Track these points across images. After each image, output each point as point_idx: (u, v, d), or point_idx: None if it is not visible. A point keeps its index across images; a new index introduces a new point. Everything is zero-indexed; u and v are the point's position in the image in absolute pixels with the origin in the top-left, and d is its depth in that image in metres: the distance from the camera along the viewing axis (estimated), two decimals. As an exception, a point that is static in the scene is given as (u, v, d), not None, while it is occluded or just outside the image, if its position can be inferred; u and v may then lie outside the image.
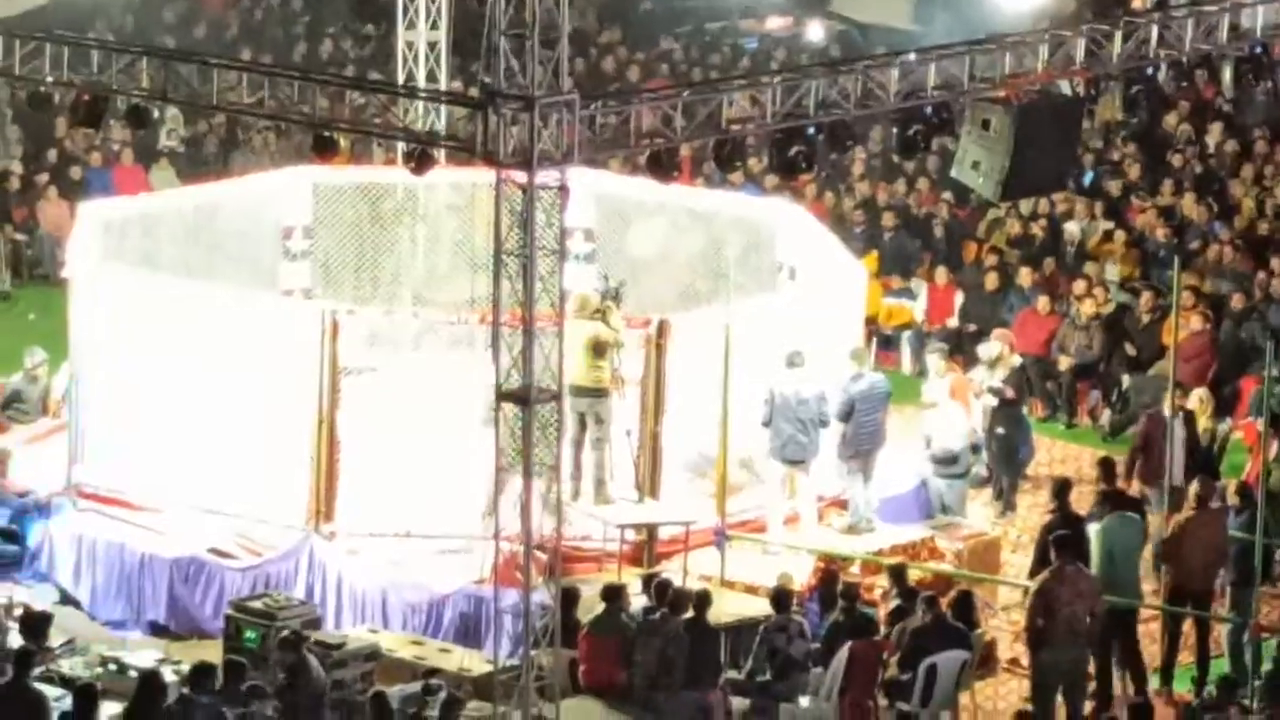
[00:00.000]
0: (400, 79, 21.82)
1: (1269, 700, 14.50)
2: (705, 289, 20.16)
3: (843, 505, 17.87)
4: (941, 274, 24.53)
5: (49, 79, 15.66)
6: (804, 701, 14.65)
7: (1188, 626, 16.21)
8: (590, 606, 14.16)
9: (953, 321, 23.71)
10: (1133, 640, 15.94)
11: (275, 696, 13.52)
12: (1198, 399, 19.29)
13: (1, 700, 13.62)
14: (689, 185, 22.84)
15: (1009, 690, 16.15)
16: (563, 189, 11.80)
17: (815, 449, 17.36)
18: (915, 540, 17.35)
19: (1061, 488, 16.71)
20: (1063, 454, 21.01)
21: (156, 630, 16.67)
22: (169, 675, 13.88)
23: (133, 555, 17.14)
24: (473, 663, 14.43)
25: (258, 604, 15.37)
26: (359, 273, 21.36)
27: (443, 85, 21.55)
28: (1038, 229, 25.07)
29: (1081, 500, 17.18)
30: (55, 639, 15.06)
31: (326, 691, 14.35)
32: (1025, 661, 15.66)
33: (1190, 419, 18.14)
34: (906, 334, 24.00)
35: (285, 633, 14.33)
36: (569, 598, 13.41)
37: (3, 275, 26.98)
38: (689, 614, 14.01)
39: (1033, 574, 15.76)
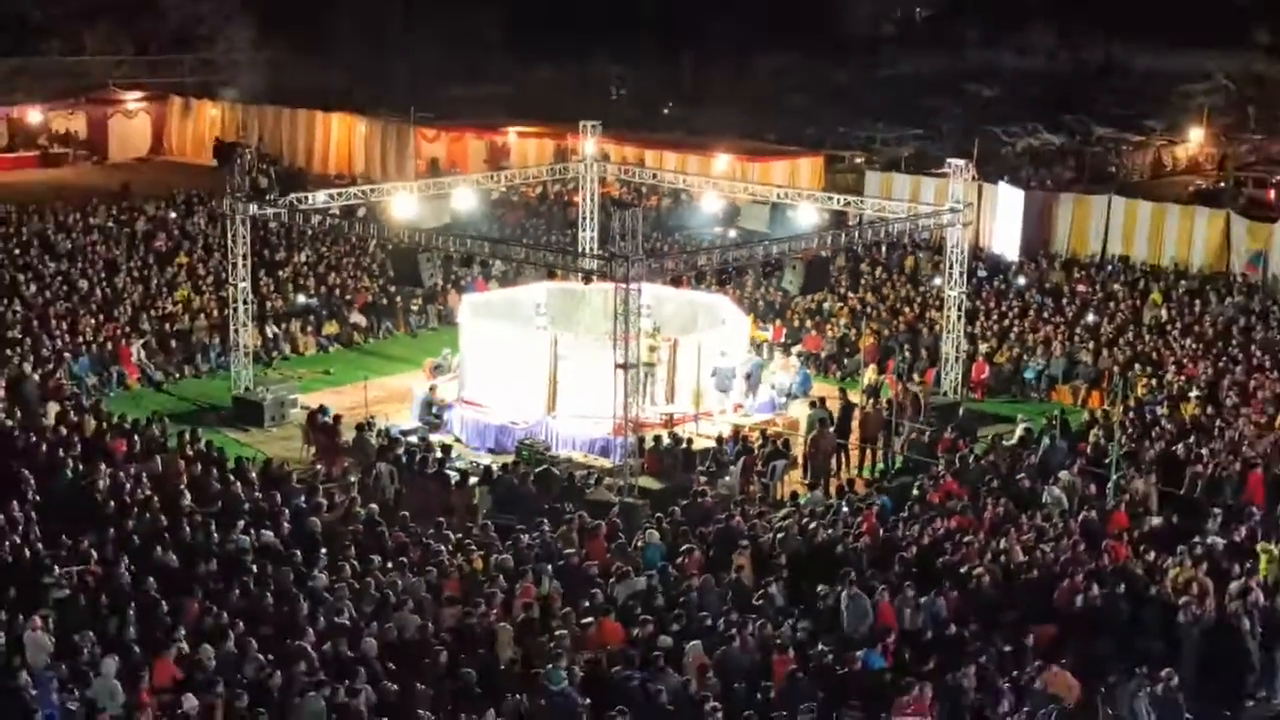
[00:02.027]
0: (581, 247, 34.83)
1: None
2: (691, 326, 32.16)
3: (740, 407, 30.70)
4: (779, 323, 36.09)
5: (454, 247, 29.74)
6: (727, 479, 26.45)
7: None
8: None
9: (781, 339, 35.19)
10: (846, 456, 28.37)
11: (532, 480, 25.30)
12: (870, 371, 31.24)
13: (431, 478, 25.90)
14: (686, 287, 34.30)
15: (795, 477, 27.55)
16: (639, 291, 26.00)
17: (731, 386, 30.39)
18: (768, 418, 30.30)
19: (817, 401, 29.06)
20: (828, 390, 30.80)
21: (491, 452, 29.10)
22: (496, 470, 25.87)
23: (482, 422, 30.04)
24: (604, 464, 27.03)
25: (529, 442, 28.28)
26: (570, 317, 32.36)
27: (595, 249, 33.71)
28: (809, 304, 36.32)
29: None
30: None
31: (559, 475, 25.90)
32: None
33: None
34: (764, 344, 34.73)
35: (537, 452, 27.34)
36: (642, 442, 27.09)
37: (432, 322, 37.16)
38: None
39: (806, 434, 28.30)
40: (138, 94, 58.84)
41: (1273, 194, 48.25)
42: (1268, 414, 27.58)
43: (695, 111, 54.11)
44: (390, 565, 21.35)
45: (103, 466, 24.25)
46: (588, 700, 17.37)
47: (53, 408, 27.93)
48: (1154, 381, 30.67)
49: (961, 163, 32.41)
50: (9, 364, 29.96)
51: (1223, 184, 50.78)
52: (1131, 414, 28.28)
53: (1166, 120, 58.28)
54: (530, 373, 29.87)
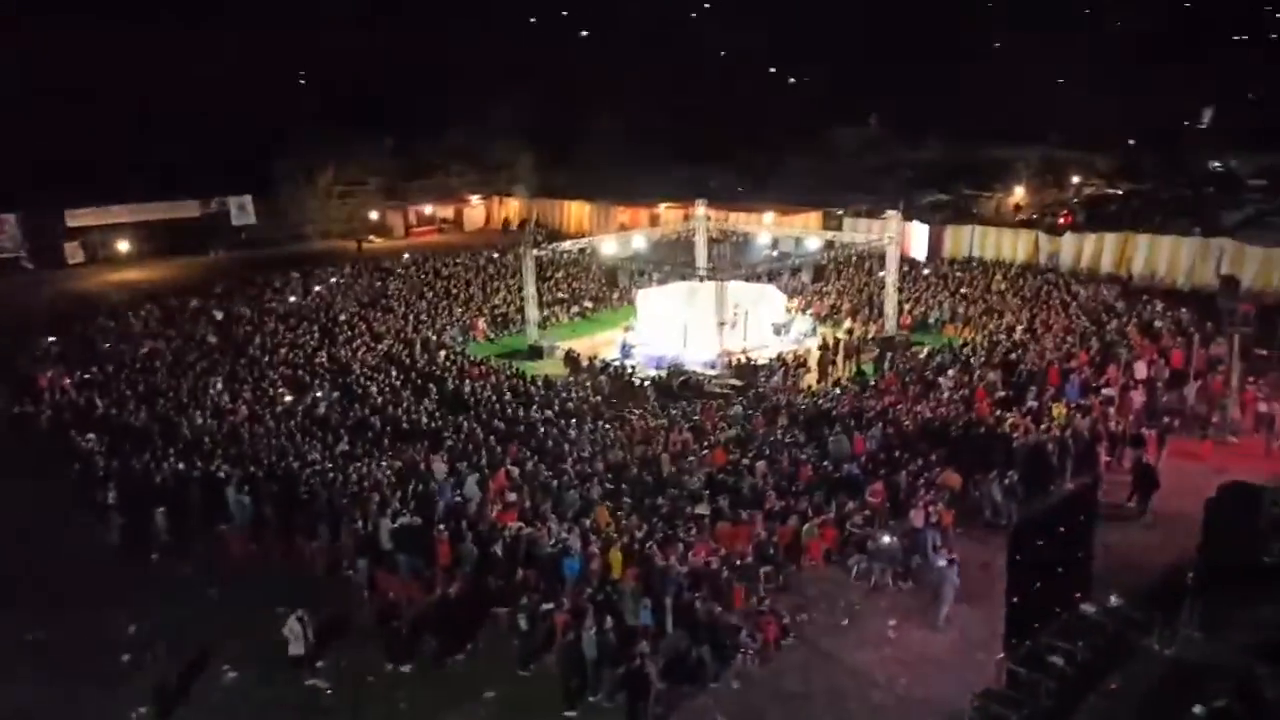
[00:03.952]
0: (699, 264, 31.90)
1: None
2: (758, 302, 29.81)
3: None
4: (801, 299, 33.46)
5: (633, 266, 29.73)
6: (775, 378, 25.63)
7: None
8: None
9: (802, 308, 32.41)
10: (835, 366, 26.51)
11: (675, 382, 24.92)
12: (848, 322, 30.57)
13: (625, 382, 25.20)
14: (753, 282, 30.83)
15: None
16: (728, 285, 26.93)
17: (781, 333, 29.44)
18: (795, 348, 28.26)
19: (822, 339, 28.75)
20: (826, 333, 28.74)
21: (655, 369, 26.73)
22: (658, 378, 25.41)
23: (650, 354, 27.77)
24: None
25: (674, 363, 26.67)
26: (694, 299, 28.98)
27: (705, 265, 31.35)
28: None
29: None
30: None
31: (689, 379, 25.51)
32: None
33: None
34: (793, 310, 31.99)
35: (678, 368, 26.26)
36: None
37: (624, 305, 33.77)
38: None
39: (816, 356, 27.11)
40: (477, 195, 59.73)
41: (1062, 221, 45.94)
42: (1059, 338, 26.58)
43: (755, 191, 53.48)
44: (607, 425, 21.47)
45: (465, 381, 24.87)
46: (708, 490, 17.51)
47: (441, 352, 28.35)
48: (999, 321, 29.60)
49: (894, 212, 32.32)
50: (419, 331, 30.54)
51: (1034, 216, 48.96)
52: (986, 339, 27.56)
53: (1004, 184, 56.31)
54: (674, 329, 28.89)
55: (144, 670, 13.15)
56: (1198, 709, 9.98)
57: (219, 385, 24.35)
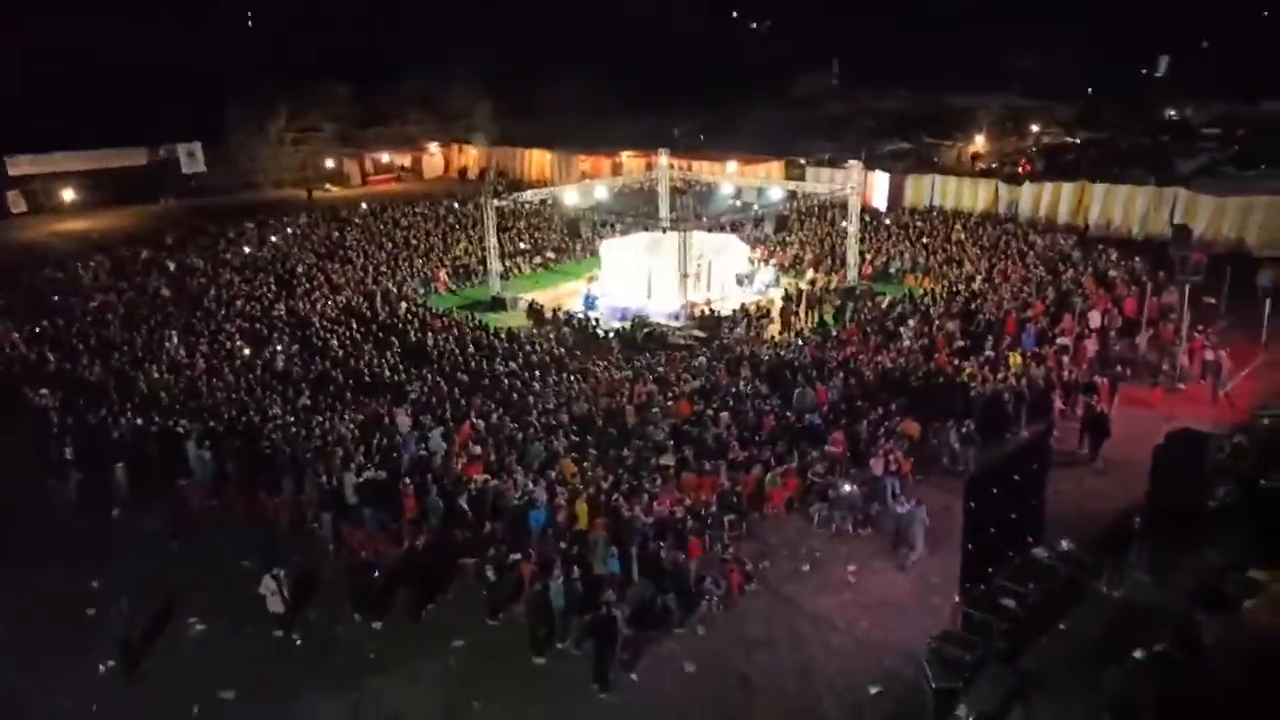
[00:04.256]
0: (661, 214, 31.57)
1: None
2: (721, 252, 29.45)
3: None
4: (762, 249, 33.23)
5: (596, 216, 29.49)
6: (738, 330, 26.05)
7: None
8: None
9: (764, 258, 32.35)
10: (798, 316, 26.47)
11: (640, 334, 25.16)
12: (810, 272, 30.67)
13: (589, 334, 25.01)
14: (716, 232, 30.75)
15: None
16: (691, 236, 26.95)
17: (743, 284, 29.30)
18: (759, 298, 28.23)
19: (786, 289, 28.56)
20: (788, 283, 28.46)
21: (619, 320, 26.68)
22: (622, 329, 26.34)
23: (613, 305, 27.65)
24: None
25: (637, 315, 26.44)
26: (657, 249, 28.38)
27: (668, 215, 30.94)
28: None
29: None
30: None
31: (653, 331, 25.32)
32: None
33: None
34: (756, 261, 31.80)
35: (641, 320, 26.05)
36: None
37: (587, 256, 33.44)
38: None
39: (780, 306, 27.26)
40: (436, 143, 58.59)
41: (1021, 170, 46.09)
42: (1016, 287, 26.87)
43: (718, 140, 52.99)
44: (571, 377, 21.41)
45: (428, 334, 24.66)
46: (672, 441, 17.64)
47: (402, 304, 28.00)
48: (958, 271, 29.77)
49: (856, 162, 32.19)
50: (379, 283, 30.19)
51: (994, 165, 49.12)
52: (946, 289, 27.70)
53: (965, 133, 56.46)
54: (638, 280, 28.56)
55: (109, 624, 13.03)
56: (1138, 653, 10.30)
57: (174, 339, 23.89)
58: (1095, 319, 23.49)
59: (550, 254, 35.17)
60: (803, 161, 43.72)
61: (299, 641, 13.33)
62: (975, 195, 38.19)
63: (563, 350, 23.66)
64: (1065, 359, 21.12)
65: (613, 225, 31.28)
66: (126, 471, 17.15)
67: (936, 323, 24.09)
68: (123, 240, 36.84)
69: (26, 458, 18.40)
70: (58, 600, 14.26)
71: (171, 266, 31.71)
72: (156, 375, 21.40)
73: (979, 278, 28.35)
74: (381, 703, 11.96)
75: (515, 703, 11.95)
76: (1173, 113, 62.04)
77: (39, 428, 18.71)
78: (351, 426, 18.20)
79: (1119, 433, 17.79)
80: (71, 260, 32.84)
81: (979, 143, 55.64)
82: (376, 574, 13.76)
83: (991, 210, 37.30)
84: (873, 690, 11.95)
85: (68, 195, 46.56)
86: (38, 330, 24.88)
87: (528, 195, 32.31)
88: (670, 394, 20.09)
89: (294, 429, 18.02)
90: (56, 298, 28.21)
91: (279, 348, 23.09)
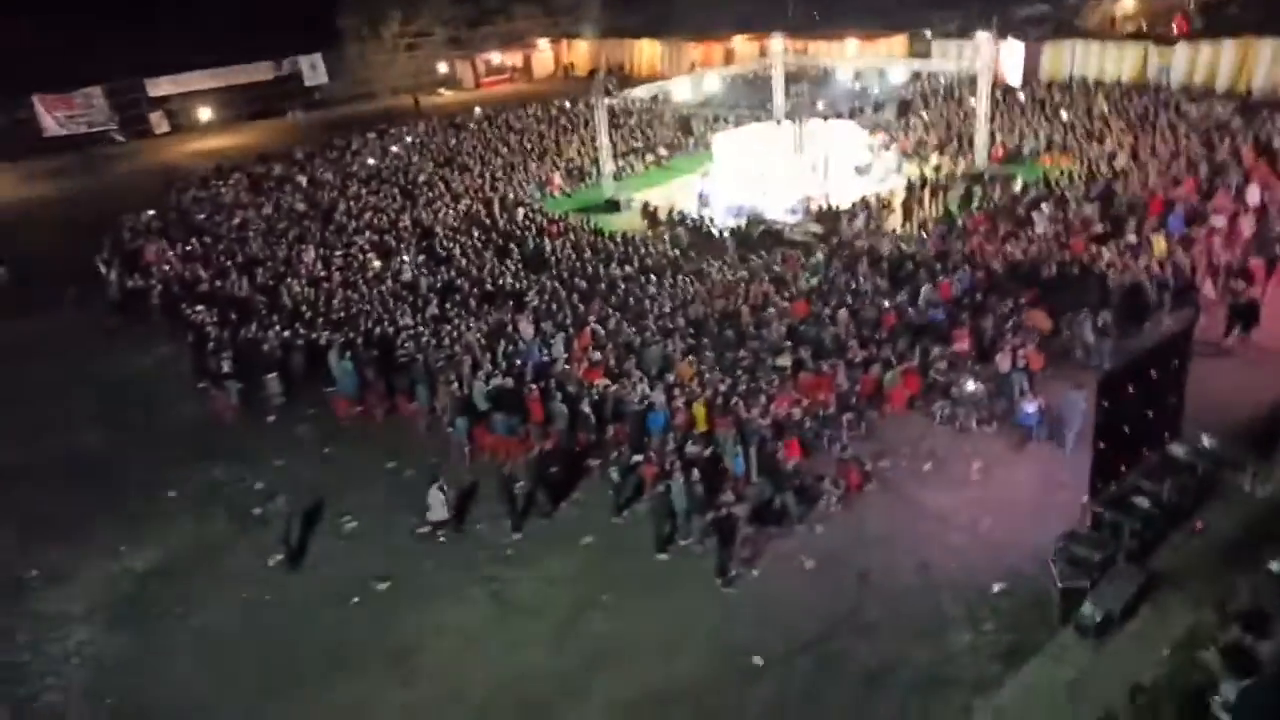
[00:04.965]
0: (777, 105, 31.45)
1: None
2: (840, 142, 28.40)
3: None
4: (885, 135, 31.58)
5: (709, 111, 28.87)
6: (858, 222, 24.71)
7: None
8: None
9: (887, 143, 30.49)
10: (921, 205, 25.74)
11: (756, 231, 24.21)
12: (935, 156, 29.43)
13: (703, 233, 24.68)
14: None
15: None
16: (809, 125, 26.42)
17: (866, 173, 28.32)
18: (882, 190, 26.99)
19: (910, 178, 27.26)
20: (913, 169, 27.61)
21: (734, 218, 26.18)
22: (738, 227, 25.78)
23: (728, 202, 26.94)
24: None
25: (753, 211, 25.89)
26: (772, 143, 27.92)
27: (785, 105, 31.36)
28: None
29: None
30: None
31: (769, 228, 24.53)
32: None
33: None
34: (878, 146, 30.05)
35: (757, 216, 25.51)
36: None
37: (699, 151, 32.20)
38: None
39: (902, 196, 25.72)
40: (546, 39, 57.89)
41: (1175, 29, 41.99)
42: (1164, 163, 25.11)
43: (834, 15, 50.06)
44: (686, 279, 21.39)
45: (545, 240, 25.01)
46: (788, 342, 17.59)
47: (519, 210, 28.24)
48: (1099, 148, 27.98)
49: (986, 34, 30.11)
50: (497, 189, 30.66)
51: (1144, 26, 44.79)
52: (1085, 169, 26.12)
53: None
54: (753, 174, 27.75)
55: (272, 522, 14.30)
56: (1274, 565, 9.92)
57: (311, 253, 25.08)
58: (1254, 195, 21.74)
59: (663, 151, 34.65)
60: (928, 34, 41.11)
61: (443, 539, 14.30)
62: (1122, 62, 35.60)
63: (677, 252, 23.50)
64: (1217, 241, 19.69)
65: (725, 119, 30.40)
66: (279, 381, 18.39)
67: (1073, 206, 22.75)
68: (257, 156, 38.23)
69: (188, 370, 19.94)
70: (229, 497, 15.71)
71: (303, 181, 32.81)
72: (298, 289, 22.46)
73: (1123, 154, 26.60)
74: (519, 591, 12.78)
75: (642, 596, 12.54)
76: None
77: (198, 342, 20.11)
78: (478, 336, 18.83)
79: (1272, 319, 16.67)
80: (213, 178, 34.54)
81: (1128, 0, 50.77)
82: (520, 483, 14.28)
83: (1140, 79, 34.82)
84: (995, 588, 11.94)
85: (204, 114, 48.68)
86: (189, 249, 26.45)
87: (638, 92, 31.80)
88: (786, 294, 19.85)
89: (425, 338, 18.83)
90: (202, 216, 29.71)
91: (405, 259, 23.92)
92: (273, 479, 15.95)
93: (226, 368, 18.76)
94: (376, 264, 23.92)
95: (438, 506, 13.93)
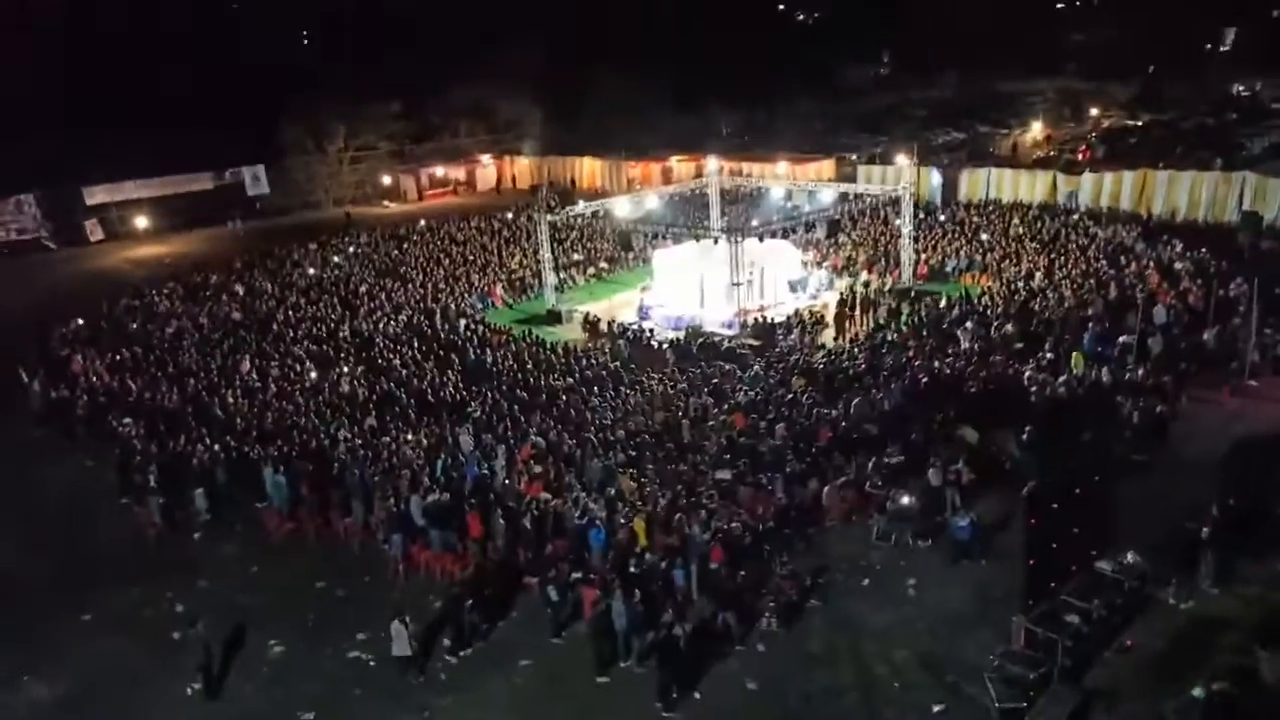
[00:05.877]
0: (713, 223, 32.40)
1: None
2: (773, 259, 29.28)
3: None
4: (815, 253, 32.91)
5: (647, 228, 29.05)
6: (792, 337, 26.39)
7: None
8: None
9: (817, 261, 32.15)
10: (853, 321, 26.84)
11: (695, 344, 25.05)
12: (864, 274, 30.27)
13: (644, 345, 25.15)
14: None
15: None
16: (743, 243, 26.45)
17: (797, 290, 29.17)
18: (812, 304, 28.21)
19: (840, 292, 28.66)
20: (842, 286, 28.66)
21: (673, 330, 26.69)
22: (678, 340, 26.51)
23: (668, 315, 27.81)
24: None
25: (692, 324, 26.66)
26: (708, 258, 28.08)
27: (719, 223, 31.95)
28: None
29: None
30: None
31: (707, 341, 25.11)
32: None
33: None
34: (809, 265, 31.80)
35: (696, 329, 26.03)
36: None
37: (640, 266, 33.40)
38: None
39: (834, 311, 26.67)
40: (488, 155, 59.33)
41: (1080, 157, 45.15)
42: (1076, 284, 26.48)
43: (764, 137, 52.66)
44: (627, 390, 21.60)
45: (487, 351, 25.02)
46: (728, 455, 17.74)
47: (462, 321, 28.46)
48: (1016, 268, 29.39)
49: (908, 161, 31.73)
50: (439, 300, 30.72)
51: (1052, 153, 48.08)
52: (1004, 288, 27.19)
53: (1020, 120, 55.25)
54: (690, 288, 28.55)
55: (190, 647, 13.63)
56: (1197, 691, 10.13)
57: (247, 364, 24.66)
58: (1160, 315, 22.89)
59: (604, 265, 35.24)
60: (854, 158, 43.31)
61: (372, 663, 13.72)
62: (1033, 187, 37.54)
63: (618, 364, 23.73)
64: (1129, 359, 20.63)
65: (664, 235, 31.04)
66: (206, 496, 17.79)
67: (994, 324, 23.65)
68: (194, 265, 37.95)
69: (112, 484, 19.22)
70: (146, 622, 14.91)
71: (241, 290, 32.50)
72: (231, 400, 22.02)
73: (1038, 274, 27.77)
74: (453, 720, 12.25)
75: (582, 722, 12.15)
76: (1240, 89, 59.73)
77: (123, 455, 19.51)
78: (417, 449, 18.58)
79: (1186, 433, 17.39)
80: (147, 287, 33.97)
81: (1035, 130, 54.43)
82: (470, 603, 13.86)
83: (1050, 201, 36.55)
84: (935, 709, 11.87)
85: (141, 222, 48.20)
86: (119, 358, 25.84)
87: (580, 208, 32.49)
88: (725, 406, 20.06)
89: (362, 451, 18.49)
90: (135, 325, 29.14)
91: (345, 369, 23.65)
92: (195, 600, 15.22)
93: (152, 481, 18.08)
94: (313, 375, 23.58)
95: (400, 642, 13.21)
